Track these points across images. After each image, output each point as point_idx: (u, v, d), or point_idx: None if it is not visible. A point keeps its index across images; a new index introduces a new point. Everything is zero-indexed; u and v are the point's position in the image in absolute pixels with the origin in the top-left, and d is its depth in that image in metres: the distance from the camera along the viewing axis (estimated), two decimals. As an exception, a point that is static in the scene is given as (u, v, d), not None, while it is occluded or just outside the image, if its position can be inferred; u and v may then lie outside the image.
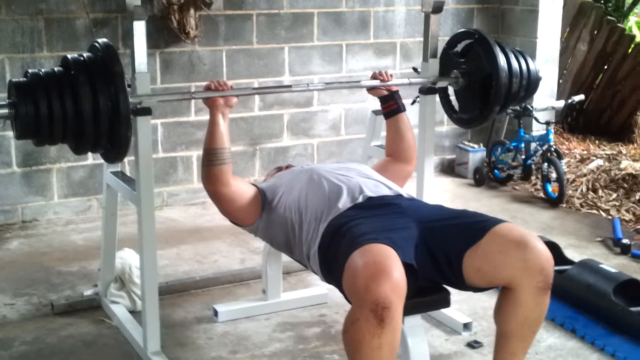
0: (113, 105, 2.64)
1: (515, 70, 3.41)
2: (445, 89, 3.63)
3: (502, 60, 3.36)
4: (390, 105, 3.28)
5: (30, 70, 2.69)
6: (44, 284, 3.83)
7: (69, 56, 2.73)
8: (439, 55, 3.53)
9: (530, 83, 3.52)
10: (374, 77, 3.32)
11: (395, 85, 3.31)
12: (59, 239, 4.49)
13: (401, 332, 2.55)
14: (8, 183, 4.66)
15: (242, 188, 2.92)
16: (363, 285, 2.24)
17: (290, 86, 2.80)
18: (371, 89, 3.34)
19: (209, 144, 2.89)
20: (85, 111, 2.62)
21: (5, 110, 2.62)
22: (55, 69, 2.71)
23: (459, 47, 3.58)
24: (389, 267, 2.27)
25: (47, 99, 2.60)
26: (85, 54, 2.74)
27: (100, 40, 2.76)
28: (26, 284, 3.83)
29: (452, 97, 3.67)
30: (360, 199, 2.73)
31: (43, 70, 2.70)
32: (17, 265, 4.09)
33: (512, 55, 3.44)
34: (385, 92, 3.29)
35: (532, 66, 3.51)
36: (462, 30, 3.70)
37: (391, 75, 3.31)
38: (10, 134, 4.55)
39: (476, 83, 3.45)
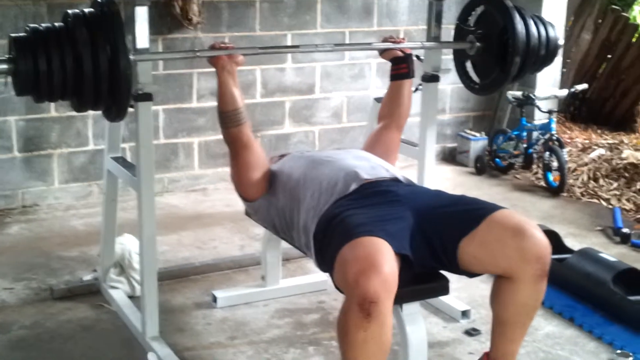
0: (113, 57, 2.58)
1: (530, 23, 3.33)
2: (463, 65, 3.58)
3: (515, 13, 3.29)
4: (402, 68, 3.26)
5: (30, 25, 2.63)
6: (43, 269, 3.84)
7: (69, 11, 2.67)
8: (451, 34, 3.48)
9: (550, 41, 3.43)
10: (385, 41, 3.31)
11: (409, 48, 3.29)
12: (59, 224, 4.50)
13: (400, 319, 2.57)
14: (9, 168, 4.67)
15: (260, 153, 2.94)
16: (352, 279, 2.24)
17: (298, 46, 2.71)
18: (384, 52, 3.31)
19: (221, 107, 2.88)
20: (84, 64, 2.56)
21: (4, 66, 2.55)
22: (57, 25, 2.63)
23: (471, 23, 3.51)
24: (380, 262, 2.26)
25: (46, 54, 2.54)
26: (86, 10, 2.68)
27: None
28: (26, 268, 3.84)
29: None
30: (355, 186, 2.70)
31: (43, 25, 2.63)
32: (17, 250, 4.10)
33: (527, 16, 3.38)
34: (400, 54, 3.26)
35: (549, 27, 3.44)
36: None
37: (403, 38, 3.30)
38: (11, 118, 4.57)
39: (493, 43, 3.38)
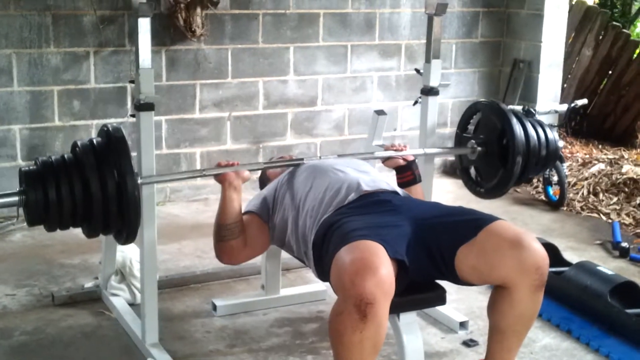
0: (120, 183, 2.71)
1: (527, 125, 3.46)
2: (467, 171, 3.65)
3: (512, 115, 3.41)
4: (407, 176, 3.26)
5: (40, 158, 2.76)
6: (45, 276, 3.87)
7: (79, 142, 2.80)
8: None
9: (549, 141, 3.54)
10: (387, 149, 3.34)
11: (412, 155, 3.31)
12: (61, 232, 4.46)
13: (397, 328, 2.60)
14: (12, 176, 4.68)
15: (251, 244, 3.01)
16: (348, 280, 2.27)
17: (302, 159, 2.84)
18: (386, 160, 3.32)
19: (221, 220, 2.97)
20: (93, 192, 2.68)
21: (15, 198, 2.68)
22: (65, 155, 2.77)
23: (471, 130, 3.64)
24: (376, 264, 2.29)
25: (56, 185, 2.67)
26: (94, 139, 2.80)
27: (109, 125, 2.83)
28: (28, 275, 3.87)
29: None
30: (354, 196, 2.75)
31: (53, 157, 2.76)
32: (19, 257, 4.13)
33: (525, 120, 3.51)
34: (402, 162, 3.27)
35: (547, 129, 3.58)
36: (467, 107, 3.73)
37: (405, 145, 3.33)
38: (15, 127, 4.61)
39: (494, 147, 3.47)
